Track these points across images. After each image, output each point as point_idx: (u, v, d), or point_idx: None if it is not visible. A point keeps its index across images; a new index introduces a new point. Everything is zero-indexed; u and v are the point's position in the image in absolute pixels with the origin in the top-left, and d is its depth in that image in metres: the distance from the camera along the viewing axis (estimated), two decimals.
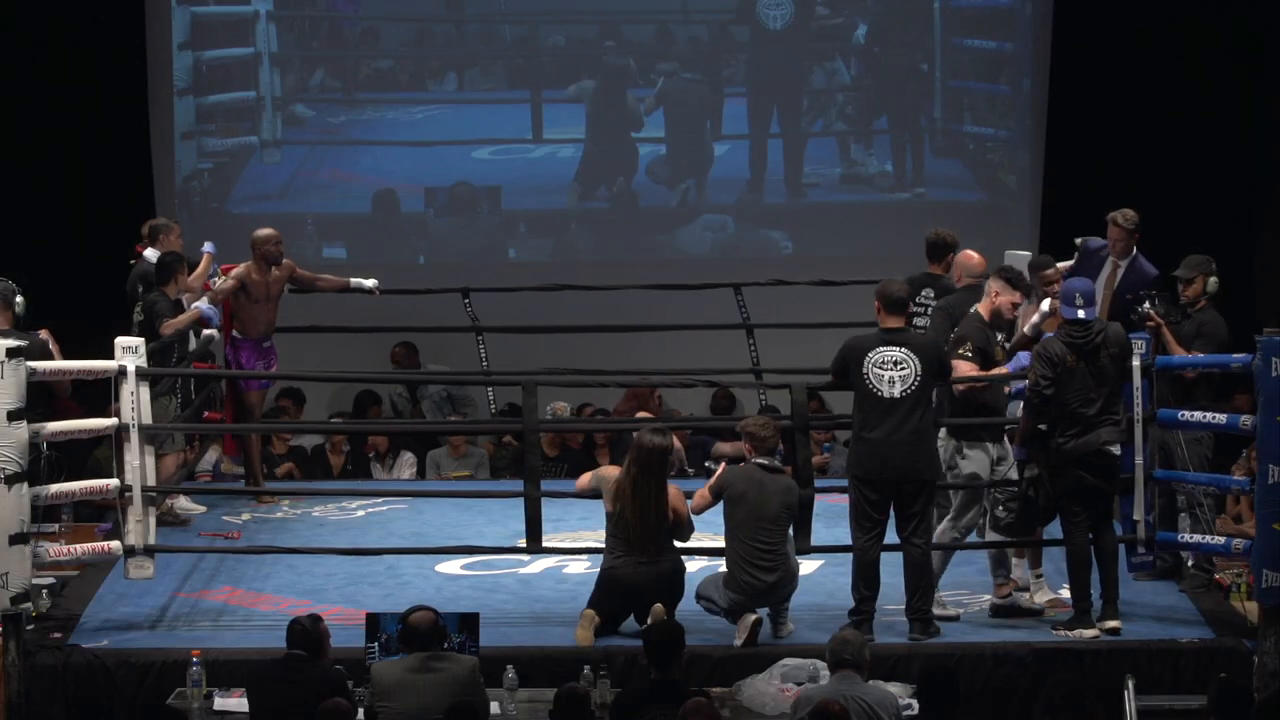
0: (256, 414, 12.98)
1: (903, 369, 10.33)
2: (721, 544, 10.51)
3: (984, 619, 10.69)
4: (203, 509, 12.67)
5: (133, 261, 12.64)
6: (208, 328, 12.67)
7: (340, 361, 15.16)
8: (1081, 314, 10.32)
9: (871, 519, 10.41)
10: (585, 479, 10.78)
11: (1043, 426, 10.37)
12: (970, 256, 12.00)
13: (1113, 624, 10.37)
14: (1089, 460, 10.31)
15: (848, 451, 10.71)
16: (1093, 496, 10.40)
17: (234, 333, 12.85)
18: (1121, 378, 10.40)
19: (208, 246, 12.83)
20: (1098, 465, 10.33)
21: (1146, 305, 11.09)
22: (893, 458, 10.31)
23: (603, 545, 10.69)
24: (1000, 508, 10.61)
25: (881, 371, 10.34)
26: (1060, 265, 12.80)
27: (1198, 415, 10.59)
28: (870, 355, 10.38)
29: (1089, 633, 10.35)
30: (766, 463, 10.40)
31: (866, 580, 10.41)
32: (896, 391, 10.32)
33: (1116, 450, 10.37)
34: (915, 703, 9.43)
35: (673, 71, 16.71)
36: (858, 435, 10.43)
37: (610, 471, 10.56)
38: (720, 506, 10.44)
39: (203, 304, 12.41)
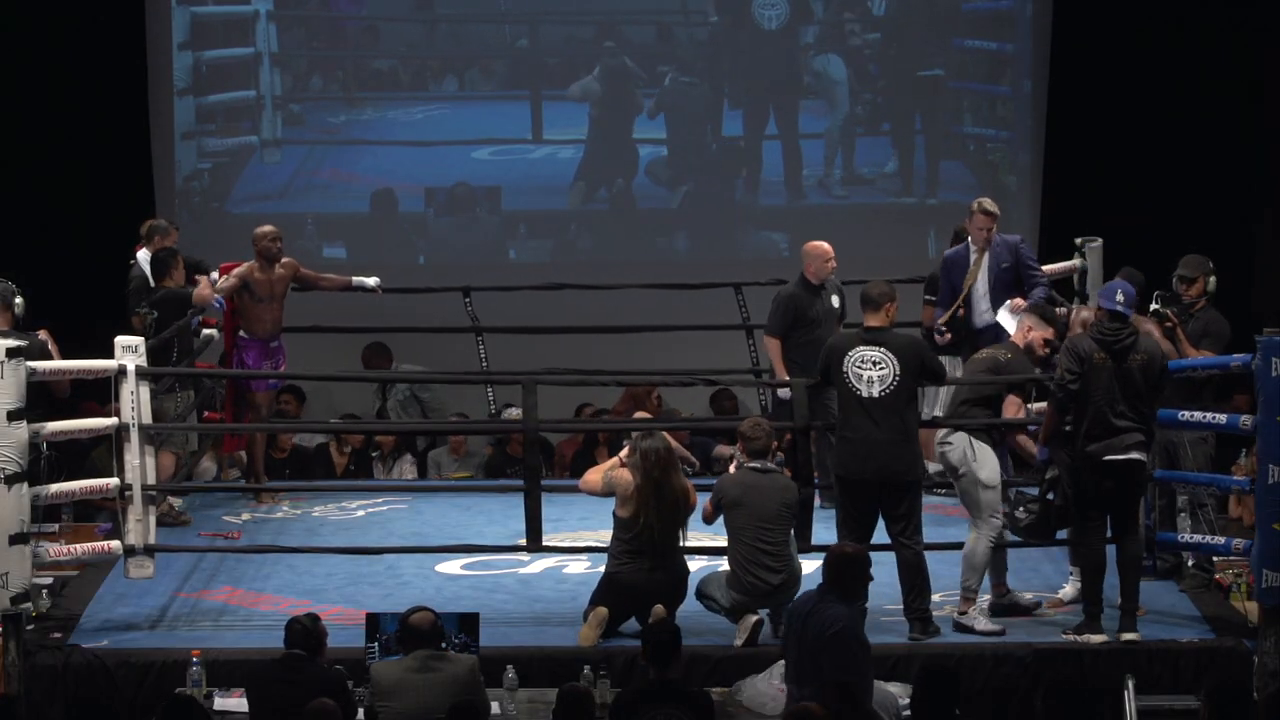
0: (263, 415, 13.00)
1: (881, 369, 10.32)
2: (723, 543, 10.50)
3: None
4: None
5: (131, 262, 12.64)
6: (209, 326, 12.66)
7: (340, 362, 15.18)
8: (1120, 308, 10.27)
9: (855, 520, 10.41)
10: (595, 478, 10.66)
11: (1067, 427, 10.35)
12: (810, 247, 12.44)
13: (1131, 635, 10.31)
14: (1112, 466, 10.26)
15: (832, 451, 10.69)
16: (1113, 502, 10.36)
17: (240, 333, 12.87)
18: (1150, 388, 10.33)
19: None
20: (1122, 472, 10.29)
21: (1159, 305, 11.08)
22: (874, 457, 10.31)
23: (601, 544, 10.69)
24: (1020, 509, 10.59)
25: (860, 371, 10.34)
26: (1059, 265, 12.87)
27: (1198, 415, 10.57)
28: (849, 355, 10.38)
29: (1096, 639, 10.29)
30: (758, 465, 10.39)
31: None
32: (875, 391, 10.32)
33: (1141, 456, 10.32)
34: None
35: (671, 77, 16.70)
36: (840, 435, 10.44)
37: (624, 475, 10.46)
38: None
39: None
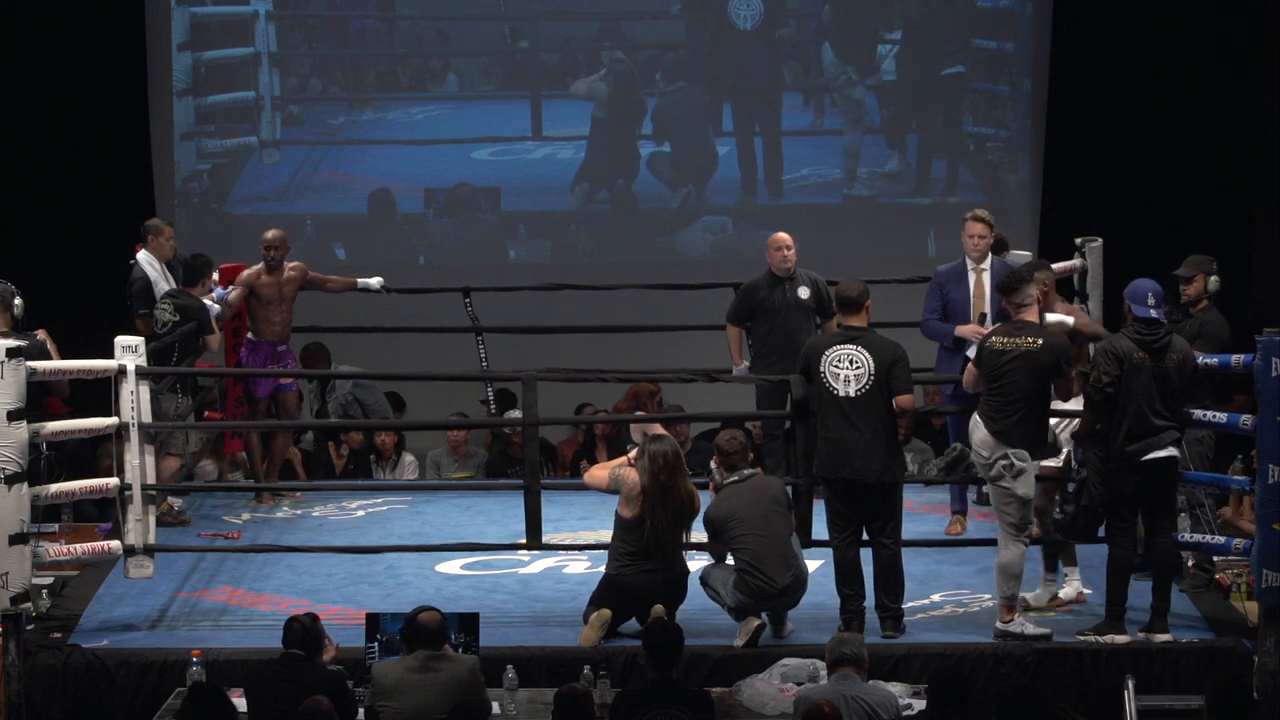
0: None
1: (857, 368, 10.30)
2: None
3: (984, 619, 10.66)
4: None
5: (131, 262, 12.65)
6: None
7: (338, 361, 15.18)
8: (1154, 313, 10.25)
9: (843, 518, 10.41)
10: (601, 474, 10.62)
11: (1098, 427, 10.30)
12: (770, 238, 12.61)
13: (1164, 636, 10.31)
14: (1152, 465, 10.24)
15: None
16: (1150, 501, 10.34)
17: (249, 335, 12.90)
18: (1184, 386, 10.31)
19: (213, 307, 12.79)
20: (1161, 469, 10.28)
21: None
22: (850, 457, 10.30)
23: (602, 544, 10.68)
24: (1057, 509, 10.55)
25: (838, 370, 10.32)
26: (1059, 265, 12.82)
27: (1197, 414, 10.56)
28: (827, 354, 10.36)
29: (1121, 639, 10.28)
30: (736, 477, 10.38)
31: (847, 579, 10.41)
32: (852, 391, 10.30)
33: (1176, 453, 10.31)
34: (915, 703, 9.45)
35: (670, 78, 16.70)
36: (820, 436, 10.43)
37: (630, 475, 10.43)
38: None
39: (215, 308, 12.55)
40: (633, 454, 10.47)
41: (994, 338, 10.32)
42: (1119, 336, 10.35)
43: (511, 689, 9.64)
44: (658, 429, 10.70)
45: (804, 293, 12.51)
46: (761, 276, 12.63)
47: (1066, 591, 10.91)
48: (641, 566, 10.32)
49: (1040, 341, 10.23)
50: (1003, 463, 10.23)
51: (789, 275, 12.53)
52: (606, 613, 10.29)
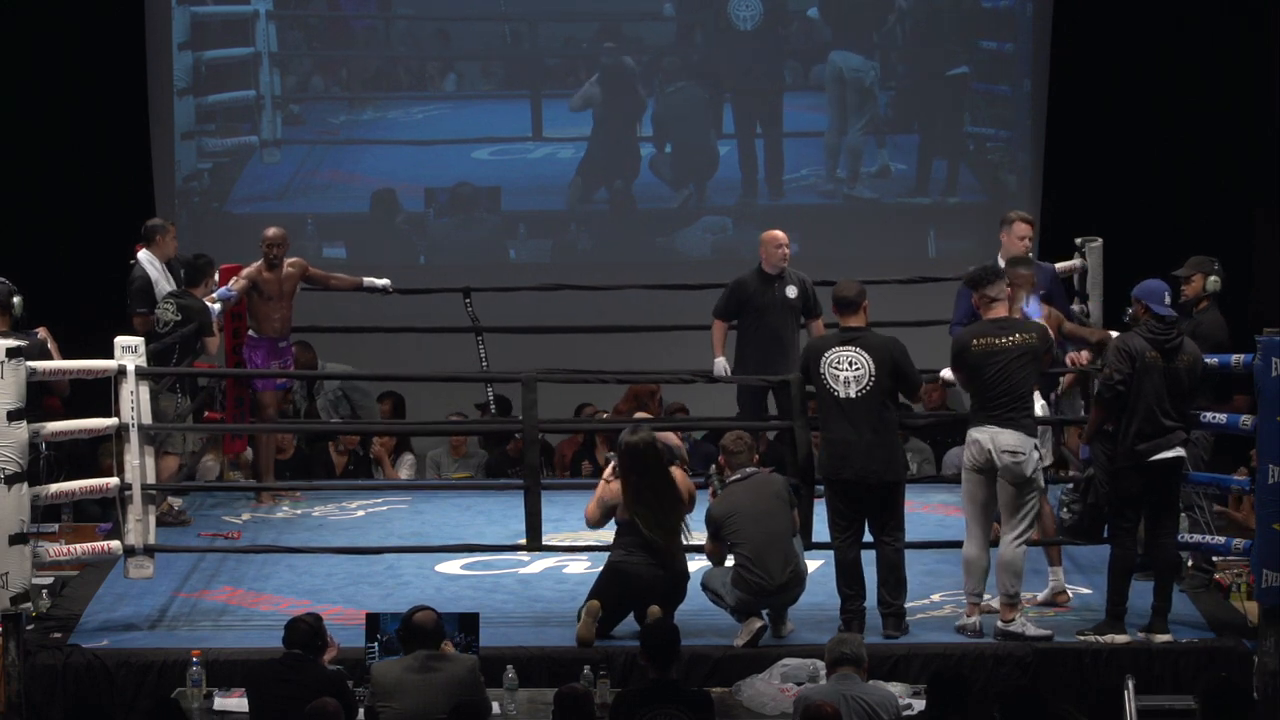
0: (270, 414, 13.04)
1: (857, 369, 10.30)
2: None
3: (985, 619, 10.64)
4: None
5: (132, 262, 12.65)
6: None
7: (338, 361, 15.17)
8: (1167, 311, 10.24)
9: (845, 518, 10.41)
10: (592, 510, 10.56)
11: (1108, 426, 10.28)
12: (765, 235, 12.54)
13: (1164, 637, 10.30)
14: (1159, 465, 10.22)
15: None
16: (1155, 501, 10.32)
17: (250, 332, 12.92)
18: (1193, 388, 10.30)
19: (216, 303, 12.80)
20: (1165, 472, 10.26)
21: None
22: (852, 458, 10.30)
23: (602, 543, 10.69)
24: (1065, 509, 10.55)
25: (837, 372, 10.32)
26: (1060, 265, 12.81)
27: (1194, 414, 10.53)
28: (826, 356, 10.37)
29: (1121, 639, 10.27)
30: (739, 475, 10.38)
31: (848, 580, 10.41)
32: (852, 392, 10.30)
33: (1184, 453, 10.29)
34: (915, 703, 9.45)
35: (670, 78, 16.71)
36: (821, 437, 10.44)
37: (611, 488, 10.45)
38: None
39: (216, 308, 12.56)
40: (611, 465, 10.49)
41: (981, 339, 10.26)
42: (1132, 335, 10.31)
43: (511, 689, 9.64)
44: (645, 418, 10.69)
45: (792, 292, 12.53)
46: (750, 273, 12.65)
47: (1044, 595, 10.88)
48: (643, 558, 10.32)
49: (1033, 334, 10.29)
50: (1036, 455, 10.23)
51: (780, 273, 12.54)
52: (595, 605, 10.28)
